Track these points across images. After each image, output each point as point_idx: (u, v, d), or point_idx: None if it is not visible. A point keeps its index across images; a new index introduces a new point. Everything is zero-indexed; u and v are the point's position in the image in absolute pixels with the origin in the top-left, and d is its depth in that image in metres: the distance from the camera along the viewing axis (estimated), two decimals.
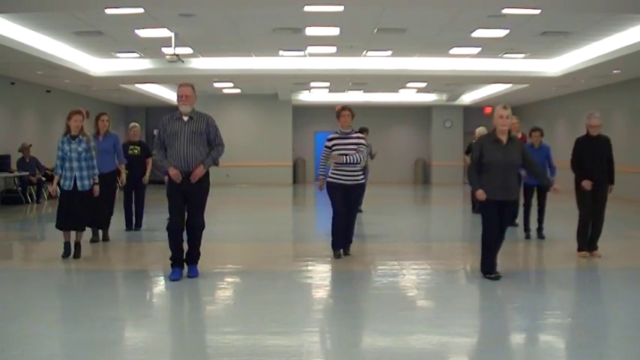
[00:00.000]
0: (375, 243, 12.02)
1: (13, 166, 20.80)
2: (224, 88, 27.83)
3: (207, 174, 9.05)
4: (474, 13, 14.73)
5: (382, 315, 7.45)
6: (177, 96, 9.16)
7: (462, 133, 33.70)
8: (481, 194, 8.89)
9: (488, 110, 32.14)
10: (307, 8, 13.97)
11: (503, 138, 9.02)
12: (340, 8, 13.97)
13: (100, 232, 12.25)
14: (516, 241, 12.71)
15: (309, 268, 10.18)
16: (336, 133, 10.83)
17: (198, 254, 9.26)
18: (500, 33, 16.58)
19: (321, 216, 20.11)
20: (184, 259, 9.16)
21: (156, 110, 33.01)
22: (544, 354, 6.17)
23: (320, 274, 9.91)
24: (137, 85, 25.80)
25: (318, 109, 33.10)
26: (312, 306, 8.03)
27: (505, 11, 14.04)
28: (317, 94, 31.72)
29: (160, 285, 9.19)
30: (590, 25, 15.71)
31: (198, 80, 24.57)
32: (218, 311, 7.84)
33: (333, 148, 10.66)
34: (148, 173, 13.89)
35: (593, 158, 10.76)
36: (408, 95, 31.38)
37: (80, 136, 10.45)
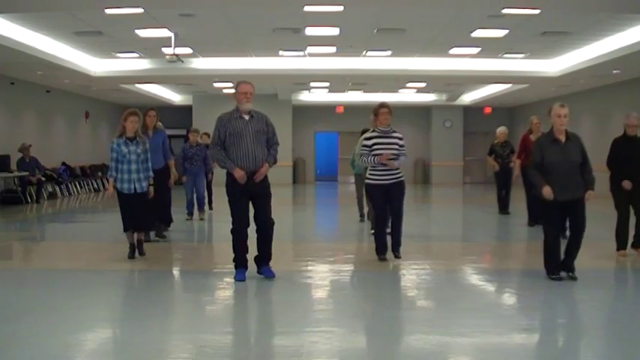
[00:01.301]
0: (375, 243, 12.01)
1: (13, 166, 20.79)
2: (224, 88, 27.80)
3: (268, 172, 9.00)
4: (473, 13, 14.73)
5: (382, 315, 7.44)
6: (239, 93, 8.92)
7: (462, 133, 33.69)
8: (548, 192, 8.66)
9: (488, 110, 32.18)
10: (307, 8, 13.97)
11: (562, 137, 8.81)
12: (340, 8, 13.97)
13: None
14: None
15: (309, 268, 10.18)
16: (374, 131, 10.49)
17: (271, 254, 9.13)
18: (500, 33, 16.59)
19: (321, 216, 20.13)
20: (256, 261, 9.11)
21: (156, 110, 32.98)
22: (544, 354, 6.17)
23: (320, 274, 9.90)
24: (137, 85, 25.80)
25: (318, 109, 33.11)
26: (312, 306, 8.03)
27: (505, 11, 14.05)
28: (317, 94, 31.71)
29: (159, 285, 9.19)
30: (589, 25, 15.72)
31: (198, 80, 24.63)
32: (217, 311, 7.84)
33: (373, 147, 10.27)
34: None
35: (632, 159, 10.52)
36: (408, 95, 31.34)
37: (137, 138, 10.36)
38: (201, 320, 7.34)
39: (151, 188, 10.50)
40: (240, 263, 9.00)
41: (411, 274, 9.72)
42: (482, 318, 7.19)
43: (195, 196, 16.04)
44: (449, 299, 8.20)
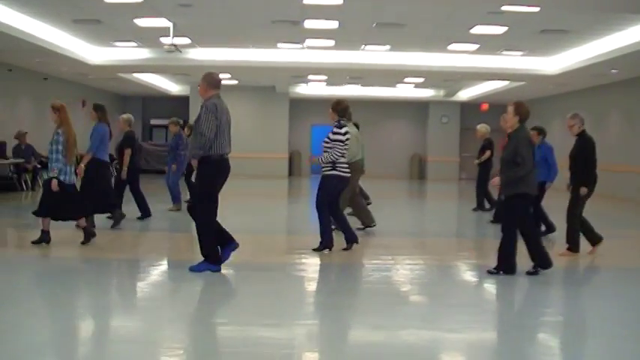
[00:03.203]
0: (369, 237, 12.01)
1: (9, 153, 20.74)
2: (221, 79, 27.79)
3: (203, 164, 8.88)
4: (473, 10, 14.72)
5: (374, 309, 7.46)
6: None
7: (458, 129, 33.67)
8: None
9: (484, 107, 32.14)
10: (306, 1, 13.97)
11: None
12: (339, 2, 13.96)
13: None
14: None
15: (303, 260, 10.16)
16: None
17: (203, 250, 8.79)
18: (499, 30, 16.58)
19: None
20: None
21: (152, 100, 32.98)
22: (534, 351, 6.19)
23: (313, 266, 9.91)
24: (134, 75, 25.77)
25: (316, 102, 33.02)
26: (305, 299, 8.05)
27: (504, 8, 14.02)
28: (314, 88, 31.68)
29: (155, 275, 9.21)
30: (588, 24, 15.72)
31: (196, 71, 24.50)
32: (211, 302, 7.84)
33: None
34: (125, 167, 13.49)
35: (574, 157, 10.72)
36: (406, 90, 31.37)
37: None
38: (195, 311, 7.34)
39: (53, 181, 10.80)
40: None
41: (405, 269, 9.74)
42: (474, 314, 7.21)
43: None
44: (442, 295, 8.23)
